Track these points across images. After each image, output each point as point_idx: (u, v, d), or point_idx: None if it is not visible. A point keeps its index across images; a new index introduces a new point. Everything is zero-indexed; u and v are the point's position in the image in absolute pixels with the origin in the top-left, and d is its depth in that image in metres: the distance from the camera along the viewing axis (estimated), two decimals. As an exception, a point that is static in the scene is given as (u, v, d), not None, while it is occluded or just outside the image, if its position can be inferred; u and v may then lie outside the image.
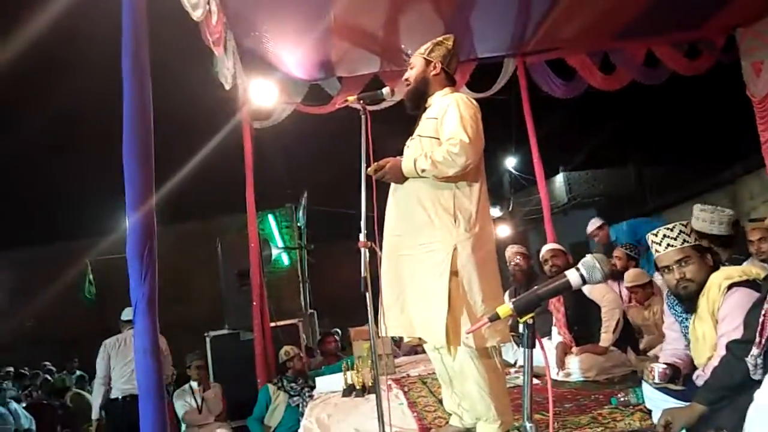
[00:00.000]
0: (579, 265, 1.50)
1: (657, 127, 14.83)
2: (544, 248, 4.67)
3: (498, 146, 15.81)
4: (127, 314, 5.48)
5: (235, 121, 5.68)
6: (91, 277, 12.60)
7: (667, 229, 2.46)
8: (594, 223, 6.49)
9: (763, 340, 1.75)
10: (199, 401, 5.37)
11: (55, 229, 13.56)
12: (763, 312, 1.79)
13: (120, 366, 5.23)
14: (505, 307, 1.48)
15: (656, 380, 2.46)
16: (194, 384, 5.45)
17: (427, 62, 2.85)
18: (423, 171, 2.62)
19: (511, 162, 17.01)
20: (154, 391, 2.20)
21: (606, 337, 3.89)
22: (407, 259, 2.71)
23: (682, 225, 2.44)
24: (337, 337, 6.84)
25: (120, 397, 5.17)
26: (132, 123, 2.36)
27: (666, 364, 2.51)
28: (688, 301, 2.46)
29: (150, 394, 2.19)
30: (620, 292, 4.85)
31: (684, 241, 2.41)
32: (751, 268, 2.45)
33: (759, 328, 1.78)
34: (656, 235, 2.47)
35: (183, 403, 5.34)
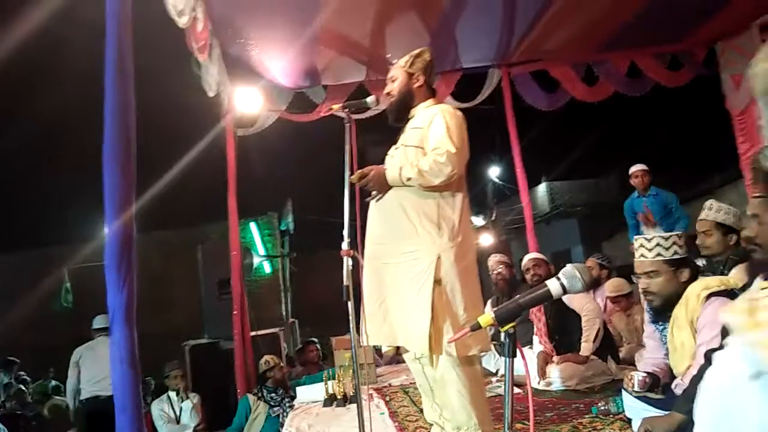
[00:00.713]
0: (560, 275, 1.50)
1: (638, 139, 15.03)
2: (526, 257, 4.69)
3: (481, 156, 15.93)
4: (98, 322, 5.46)
5: (219, 128, 5.64)
6: (68, 285, 12.38)
7: (645, 239, 2.49)
8: (638, 167, 6.28)
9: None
10: (178, 411, 5.30)
11: (32, 236, 13.33)
12: None
13: (89, 371, 5.18)
14: (487, 317, 1.48)
15: (636, 388, 2.48)
16: (172, 394, 5.37)
17: (410, 75, 2.87)
18: (408, 180, 2.62)
19: (494, 171, 17.14)
20: (131, 402, 2.15)
21: (586, 347, 3.91)
22: (390, 267, 2.70)
23: (663, 238, 2.46)
24: (317, 346, 6.79)
25: (86, 398, 5.13)
26: (113, 130, 2.33)
27: (645, 372, 2.52)
28: (654, 312, 2.54)
29: (127, 404, 2.15)
30: (596, 300, 4.89)
31: (658, 254, 2.44)
32: (729, 279, 2.49)
33: None
34: (638, 240, 2.51)
35: (161, 413, 5.26)
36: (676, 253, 2.44)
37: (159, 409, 5.31)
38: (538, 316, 4.15)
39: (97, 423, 4.91)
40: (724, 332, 1.97)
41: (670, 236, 2.46)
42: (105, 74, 2.36)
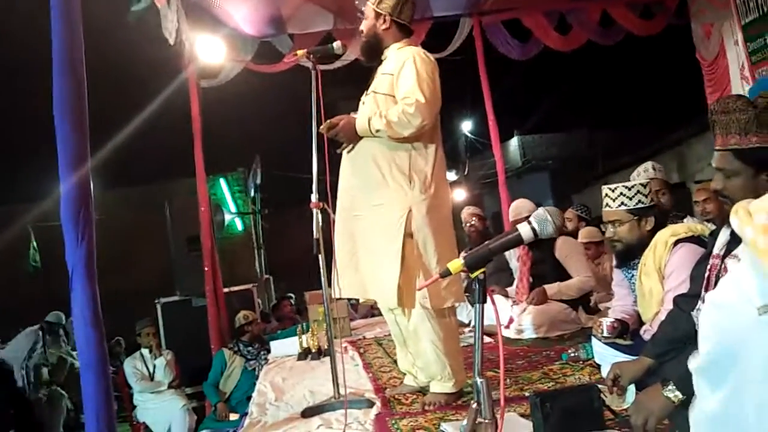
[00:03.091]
0: (530, 218, 1.48)
1: (609, 91, 15.06)
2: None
3: (453, 109, 15.80)
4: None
5: (182, 80, 5.42)
6: (34, 243, 12.11)
7: (610, 189, 2.50)
8: None
9: (706, 297, 1.78)
10: (151, 368, 5.28)
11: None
12: (708, 267, 1.82)
13: None
14: (457, 263, 1.45)
15: (605, 334, 2.52)
16: (145, 351, 5.34)
17: (378, 14, 2.72)
18: (377, 131, 2.54)
19: (467, 126, 17.06)
20: (96, 362, 2.10)
21: (555, 288, 3.92)
22: (361, 219, 2.66)
23: (625, 187, 2.46)
24: (292, 302, 6.81)
25: None
26: (62, 81, 2.20)
27: (614, 319, 2.56)
28: (617, 257, 2.60)
29: (92, 364, 2.10)
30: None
31: (621, 203, 2.45)
32: (696, 225, 2.52)
33: (704, 283, 1.81)
34: (605, 189, 2.52)
35: (134, 371, 5.24)
36: (640, 202, 2.44)
37: (132, 366, 5.29)
38: (524, 260, 4.17)
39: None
40: (692, 278, 1.99)
41: (634, 185, 2.47)
42: (51, 20, 2.21)
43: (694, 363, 1.04)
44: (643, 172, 3.64)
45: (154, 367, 5.31)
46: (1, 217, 12.34)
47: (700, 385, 1.04)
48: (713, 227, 2.32)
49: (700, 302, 1.84)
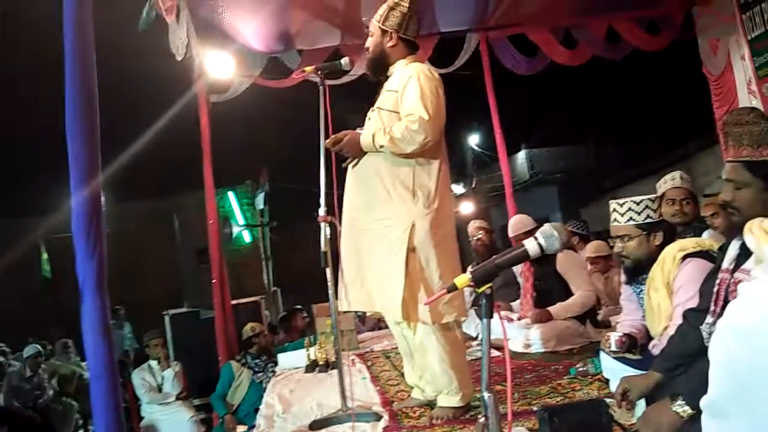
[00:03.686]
0: (537, 234, 1.48)
1: (616, 105, 15.07)
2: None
3: (461, 123, 15.85)
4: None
5: (191, 95, 5.49)
6: (45, 256, 12.22)
7: (618, 204, 2.49)
8: None
9: (718, 309, 1.78)
10: (159, 380, 5.29)
11: (3, 207, 13.02)
12: (717, 281, 1.82)
13: None
14: (463, 278, 1.46)
15: (613, 348, 2.51)
16: (153, 363, 5.36)
17: (383, 32, 2.75)
18: (381, 147, 2.57)
19: (474, 139, 17.10)
20: (106, 373, 2.12)
21: (558, 308, 3.90)
22: (366, 233, 2.68)
23: (634, 202, 2.45)
24: (304, 314, 6.79)
25: None
26: (74, 95, 2.22)
27: (622, 333, 2.55)
28: (626, 272, 2.58)
29: (102, 375, 2.11)
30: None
31: (630, 218, 2.44)
32: (705, 240, 2.51)
33: (714, 298, 1.81)
34: (613, 203, 2.52)
35: (142, 382, 5.26)
36: (648, 217, 2.43)
37: (140, 378, 5.30)
38: (526, 276, 4.16)
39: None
40: (702, 292, 1.98)
41: (642, 200, 2.45)
42: (64, 34, 2.25)
43: (705, 399, 0.95)
44: (670, 180, 3.59)
45: (163, 378, 5.32)
46: (12, 230, 12.47)
47: (709, 425, 0.94)
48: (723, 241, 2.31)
49: (709, 317, 1.84)
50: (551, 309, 3.89)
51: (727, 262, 1.80)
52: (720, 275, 1.82)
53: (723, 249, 1.93)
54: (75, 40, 2.24)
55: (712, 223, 3.87)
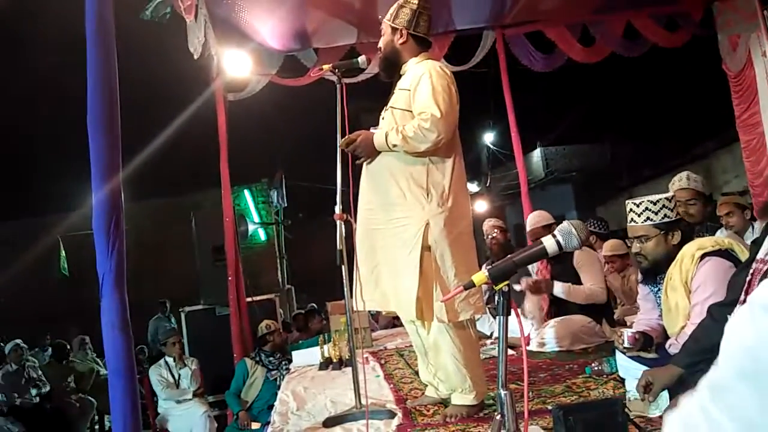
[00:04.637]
0: (555, 232, 1.48)
1: (633, 103, 14.92)
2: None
3: (476, 120, 15.79)
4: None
5: (209, 93, 5.54)
6: (63, 253, 12.40)
7: (635, 204, 2.47)
8: None
9: (748, 299, 1.76)
10: (176, 376, 5.35)
11: (23, 205, 13.25)
12: (751, 271, 1.80)
13: None
14: (480, 275, 1.46)
15: (626, 345, 2.50)
16: (170, 359, 5.42)
17: (394, 30, 2.75)
18: (394, 146, 2.56)
19: (489, 137, 17.02)
20: (124, 368, 2.15)
21: (565, 287, 3.87)
22: (380, 232, 2.68)
23: (650, 202, 2.43)
24: (323, 317, 6.81)
25: None
26: (96, 94, 2.27)
27: (636, 331, 2.54)
28: (643, 273, 2.57)
29: (120, 370, 2.15)
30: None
31: (647, 218, 2.42)
32: (723, 239, 2.48)
33: (745, 287, 1.79)
34: (629, 204, 2.50)
35: (159, 379, 5.31)
36: (666, 216, 2.41)
37: (157, 374, 5.36)
38: (543, 273, 4.14)
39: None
40: (731, 285, 1.96)
41: (659, 200, 2.42)
42: (86, 37, 2.29)
43: (712, 376, 0.81)
44: (677, 182, 3.59)
45: (179, 375, 5.37)
46: (31, 228, 12.69)
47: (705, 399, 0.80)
48: (741, 239, 2.29)
49: (739, 306, 1.81)
50: (558, 283, 3.89)
51: (763, 252, 1.78)
52: (754, 266, 1.80)
53: (757, 242, 1.91)
54: (97, 40, 2.28)
55: (727, 222, 3.84)
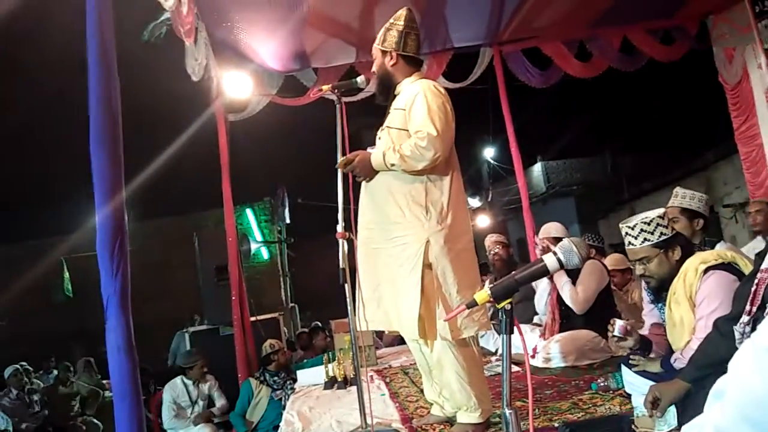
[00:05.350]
0: (556, 249, 1.49)
1: (632, 116, 15.01)
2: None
3: (476, 136, 15.87)
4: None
5: (210, 114, 5.58)
6: (67, 275, 12.41)
7: (629, 227, 2.44)
8: None
9: (754, 309, 1.76)
10: (194, 397, 5.21)
11: (26, 227, 13.29)
12: (756, 281, 1.80)
13: None
14: (483, 293, 1.46)
15: (616, 333, 2.50)
16: (188, 381, 5.24)
17: (384, 53, 2.79)
18: (392, 165, 2.58)
19: (489, 152, 17.08)
20: (129, 391, 2.14)
21: (568, 286, 3.91)
22: (381, 252, 2.69)
23: (644, 222, 2.41)
24: (327, 334, 6.78)
25: None
26: (98, 115, 2.29)
27: (628, 322, 2.55)
28: (652, 293, 2.57)
29: (125, 393, 2.14)
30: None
31: (645, 239, 2.40)
32: (725, 252, 2.48)
33: (751, 297, 1.78)
34: (624, 227, 2.49)
35: (170, 404, 5.11)
36: (662, 234, 2.39)
37: (170, 398, 5.14)
38: (552, 286, 4.14)
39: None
40: (736, 296, 1.95)
41: (652, 219, 2.40)
42: (88, 58, 2.31)
43: (713, 422, 0.79)
44: (672, 198, 3.60)
45: (197, 395, 5.23)
46: (34, 250, 12.72)
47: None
48: (745, 253, 2.29)
49: (745, 316, 1.80)
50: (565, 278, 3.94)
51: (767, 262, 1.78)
52: (759, 275, 1.80)
53: (761, 255, 1.91)
54: (98, 63, 2.30)
55: (755, 220, 4.09)
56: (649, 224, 2.40)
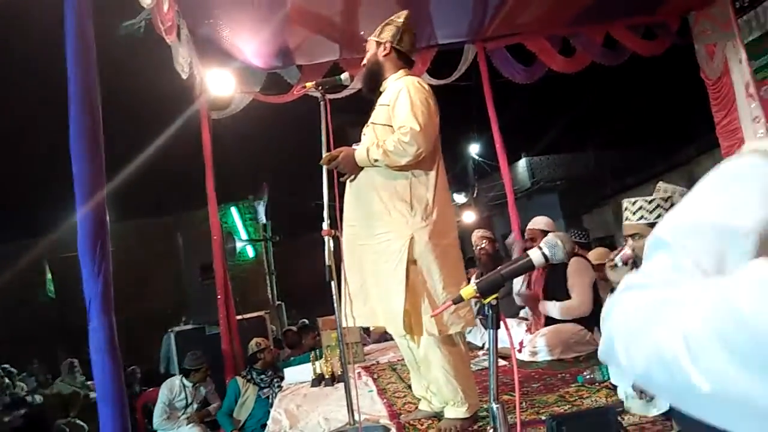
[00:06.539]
0: (542, 244, 1.49)
1: (614, 112, 15.12)
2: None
3: (461, 133, 15.91)
4: None
5: (193, 112, 5.53)
6: (49, 275, 12.25)
7: (630, 203, 2.50)
8: None
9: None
10: (190, 397, 5.17)
11: (8, 227, 13.08)
12: None
13: None
14: (469, 289, 1.46)
15: (618, 263, 2.52)
16: (186, 381, 5.20)
17: (378, 44, 2.81)
18: (376, 161, 2.58)
19: (474, 148, 17.14)
20: (112, 392, 2.12)
21: (548, 305, 3.93)
22: (366, 248, 2.69)
23: (645, 201, 2.47)
24: (317, 333, 6.76)
25: None
26: (78, 113, 2.26)
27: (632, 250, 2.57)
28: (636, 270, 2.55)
29: (109, 394, 2.12)
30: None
31: (641, 217, 2.45)
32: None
33: None
34: (625, 202, 2.53)
35: (163, 405, 5.08)
36: (660, 216, 2.42)
37: (166, 397, 5.09)
38: (539, 281, 4.16)
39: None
40: None
41: (654, 199, 2.46)
42: (66, 55, 2.28)
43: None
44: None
45: (194, 395, 5.19)
46: (16, 251, 12.52)
47: None
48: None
49: None
50: (543, 304, 3.97)
51: None
52: None
53: None
54: (77, 61, 2.27)
55: None
56: (650, 203, 2.46)
